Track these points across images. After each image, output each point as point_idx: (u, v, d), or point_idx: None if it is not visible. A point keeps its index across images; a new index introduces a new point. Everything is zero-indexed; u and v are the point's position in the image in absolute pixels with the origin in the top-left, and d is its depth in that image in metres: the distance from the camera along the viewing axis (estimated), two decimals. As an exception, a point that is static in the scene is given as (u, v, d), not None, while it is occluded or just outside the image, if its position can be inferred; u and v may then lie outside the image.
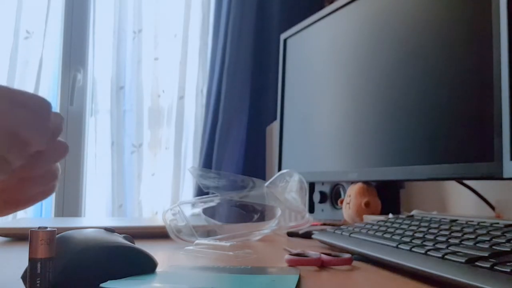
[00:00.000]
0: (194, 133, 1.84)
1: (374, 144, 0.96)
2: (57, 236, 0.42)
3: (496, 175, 0.68)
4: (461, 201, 1.14)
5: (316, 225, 0.96)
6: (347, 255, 0.54)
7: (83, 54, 1.79)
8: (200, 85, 1.85)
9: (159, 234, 0.76)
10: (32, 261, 0.35)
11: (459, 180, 0.94)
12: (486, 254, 0.41)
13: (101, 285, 0.37)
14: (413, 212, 0.79)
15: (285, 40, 1.36)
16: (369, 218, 0.92)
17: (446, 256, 0.43)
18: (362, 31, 1.04)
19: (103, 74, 1.79)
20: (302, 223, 0.82)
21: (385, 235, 0.58)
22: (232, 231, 0.76)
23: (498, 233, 0.48)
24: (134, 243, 0.47)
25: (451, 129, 0.78)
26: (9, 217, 1.62)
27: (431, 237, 0.52)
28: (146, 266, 0.44)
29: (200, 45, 1.86)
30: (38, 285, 0.35)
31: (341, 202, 1.09)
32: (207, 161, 1.74)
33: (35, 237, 0.35)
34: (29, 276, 0.35)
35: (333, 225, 0.96)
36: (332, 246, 0.65)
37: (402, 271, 0.47)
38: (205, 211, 0.81)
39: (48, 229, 0.36)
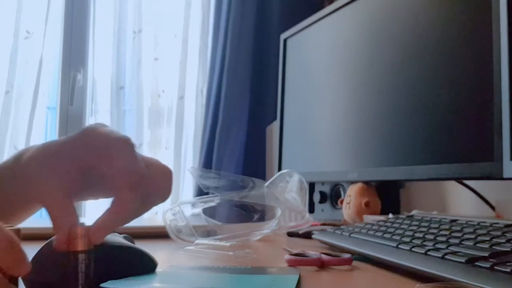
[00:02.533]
0: (194, 133, 1.83)
1: (374, 144, 0.96)
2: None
3: (496, 175, 0.67)
4: (461, 201, 1.14)
5: (316, 225, 0.96)
6: (347, 255, 0.54)
7: (83, 54, 1.79)
8: (200, 85, 1.85)
9: (159, 234, 0.76)
10: (73, 254, 0.37)
11: (459, 180, 0.94)
12: (486, 254, 0.41)
13: (101, 285, 0.37)
14: (413, 212, 0.79)
15: (285, 40, 1.36)
16: (369, 218, 0.92)
17: (446, 256, 0.43)
18: (362, 31, 1.04)
19: (103, 74, 1.79)
20: (302, 223, 0.82)
21: (385, 235, 0.58)
22: (232, 231, 0.76)
23: (498, 233, 0.48)
24: (134, 243, 0.47)
25: (451, 129, 0.78)
26: (9, 217, 1.62)
27: (431, 237, 0.52)
28: (146, 266, 0.44)
29: (200, 45, 1.86)
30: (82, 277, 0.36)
31: (341, 202, 1.09)
32: (207, 161, 1.74)
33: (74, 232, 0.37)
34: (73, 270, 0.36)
35: (333, 225, 0.96)
36: (332, 246, 0.65)
37: (402, 271, 0.47)
38: (205, 211, 0.81)
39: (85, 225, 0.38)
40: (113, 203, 0.39)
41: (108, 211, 0.39)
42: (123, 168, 0.38)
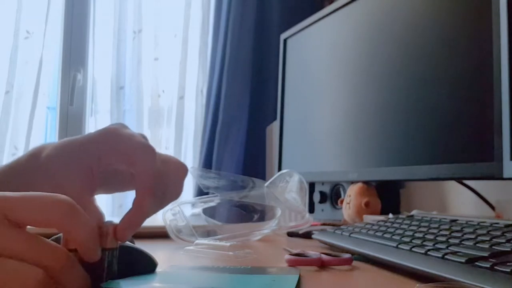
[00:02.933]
0: (194, 133, 1.83)
1: (374, 144, 0.96)
2: (56, 236, 0.42)
3: (496, 175, 0.67)
4: (461, 201, 1.14)
5: (316, 225, 0.96)
6: (347, 255, 0.54)
7: (83, 54, 1.79)
8: (200, 85, 1.85)
9: (159, 234, 0.76)
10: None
11: (459, 180, 0.94)
12: (486, 254, 0.41)
13: (101, 285, 0.37)
14: (413, 212, 0.79)
15: (285, 40, 1.36)
16: (369, 218, 0.92)
17: (446, 256, 0.43)
18: (362, 31, 1.04)
19: (103, 74, 1.79)
20: (302, 223, 0.82)
21: (385, 235, 0.58)
22: (232, 231, 0.76)
23: (498, 233, 0.48)
24: (134, 243, 0.47)
25: (451, 129, 0.78)
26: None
27: (431, 237, 0.52)
28: (146, 266, 0.44)
29: (200, 45, 1.86)
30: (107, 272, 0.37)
31: (341, 202, 1.09)
32: (207, 161, 1.74)
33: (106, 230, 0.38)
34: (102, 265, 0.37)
35: (333, 225, 0.96)
36: (332, 246, 0.65)
37: (402, 271, 0.47)
38: (205, 211, 0.81)
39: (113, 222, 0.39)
40: (134, 205, 0.41)
41: (131, 212, 0.41)
42: (143, 173, 0.41)
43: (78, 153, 0.42)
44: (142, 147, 0.41)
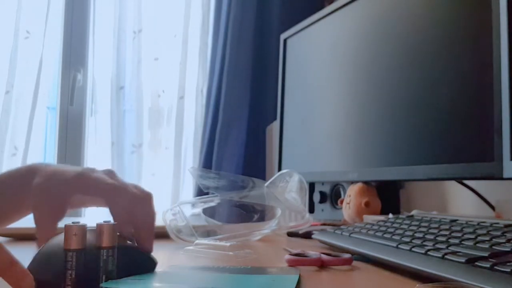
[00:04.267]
0: (194, 133, 1.83)
1: (374, 144, 0.96)
2: (56, 236, 0.42)
3: (496, 175, 0.67)
4: (461, 201, 1.14)
5: (316, 225, 0.96)
6: (347, 255, 0.54)
7: (83, 54, 1.79)
8: (200, 85, 1.85)
9: (159, 234, 0.76)
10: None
11: (459, 180, 0.94)
12: (486, 254, 0.41)
13: (101, 284, 0.37)
14: (413, 212, 0.79)
15: (285, 40, 1.36)
16: (369, 218, 0.92)
17: (446, 256, 0.43)
18: (362, 31, 1.04)
19: (103, 74, 1.79)
20: (302, 223, 0.82)
21: (385, 235, 0.58)
22: (232, 231, 0.76)
23: (498, 233, 0.48)
24: (134, 243, 0.47)
25: (451, 129, 0.78)
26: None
27: (431, 237, 0.52)
28: (146, 266, 0.44)
29: (200, 45, 1.86)
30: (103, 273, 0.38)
31: (341, 202, 1.09)
32: (207, 161, 1.74)
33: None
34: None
35: (333, 225, 0.96)
36: (332, 246, 0.65)
37: (402, 271, 0.47)
38: (205, 211, 0.81)
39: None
40: (138, 240, 0.47)
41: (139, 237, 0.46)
42: (117, 210, 0.47)
43: (56, 190, 0.49)
44: (109, 189, 0.48)
